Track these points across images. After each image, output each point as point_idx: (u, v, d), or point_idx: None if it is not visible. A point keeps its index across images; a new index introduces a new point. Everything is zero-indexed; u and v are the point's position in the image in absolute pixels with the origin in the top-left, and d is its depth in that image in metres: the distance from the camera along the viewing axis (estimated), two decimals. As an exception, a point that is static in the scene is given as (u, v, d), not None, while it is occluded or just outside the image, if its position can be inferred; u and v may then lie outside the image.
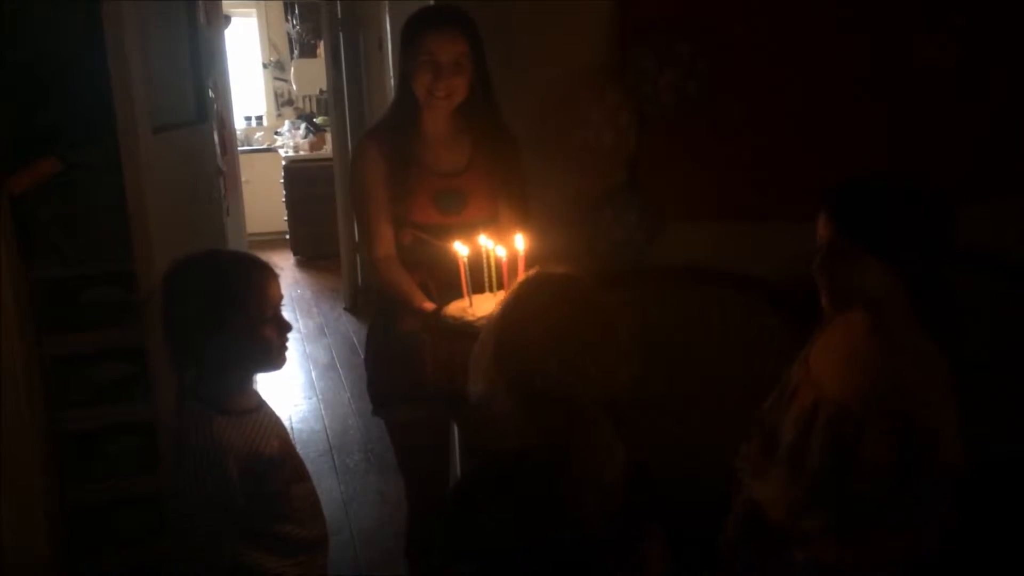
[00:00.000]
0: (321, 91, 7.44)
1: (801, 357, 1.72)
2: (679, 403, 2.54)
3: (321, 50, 6.95)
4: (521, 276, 1.90)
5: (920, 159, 2.65)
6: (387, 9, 4.33)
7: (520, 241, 1.89)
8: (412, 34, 2.05)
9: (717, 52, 2.47)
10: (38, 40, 2.59)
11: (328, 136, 6.39)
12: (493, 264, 1.92)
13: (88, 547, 2.66)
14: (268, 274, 1.58)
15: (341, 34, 5.40)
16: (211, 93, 4.04)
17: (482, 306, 1.88)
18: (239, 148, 6.24)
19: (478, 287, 1.94)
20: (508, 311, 1.36)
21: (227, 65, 5.08)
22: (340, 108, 5.51)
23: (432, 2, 2.58)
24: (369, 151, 2.13)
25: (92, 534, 2.68)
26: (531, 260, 1.86)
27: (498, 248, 1.90)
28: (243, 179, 6.03)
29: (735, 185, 2.60)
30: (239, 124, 7.30)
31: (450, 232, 2.04)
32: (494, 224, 2.13)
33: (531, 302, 1.36)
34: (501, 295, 1.93)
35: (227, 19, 6.05)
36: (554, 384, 1.29)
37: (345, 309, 5.70)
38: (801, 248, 1.99)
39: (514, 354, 1.30)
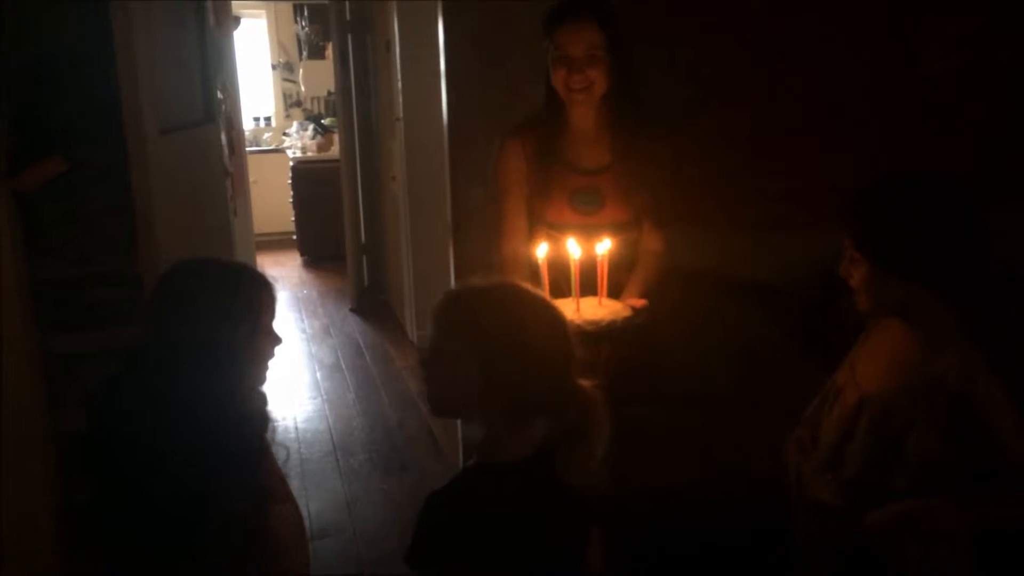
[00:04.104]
0: (329, 92, 7.47)
1: (846, 362, 1.68)
2: (680, 406, 2.54)
3: (329, 52, 6.97)
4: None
5: (928, 164, 2.65)
6: (395, 11, 4.34)
7: (604, 246, 1.88)
8: (544, 31, 2.07)
9: (720, 59, 2.48)
10: (46, 39, 2.60)
11: (336, 137, 6.41)
12: (605, 270, 1.90)
13: (86, 544, 2.66)
14: (271, 290, 1.59)
15: (349, 36, 5.42)
16: (220, 94, 4.05)
17: (590, 309, 1.87)
18: (247, 148, 6.27)
19: (589, 290, 1.92)
20: (484, 331, 1.29)
21: (236, 66, 5.10)
22: (348, 109, 5.54)
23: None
24: (512, 147, 2.14)
25: (91, 531, 2.69)
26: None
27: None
28: (251, 180, 6.05)
29: (737, 192, 2.60)
30: (248, 125, 7.33)
31: (585, 233, 2.01)
32: (632, 227, 2.11)
33: (500, 316, 1.30)
34: (613, 303, 1.93)
35: (237, 20, 6.07)
36: (547, 386, 1.27)
37: (351, 310, 5.71)
38: (803, 256, 1.99)
39: (507, 370, 1.26)
